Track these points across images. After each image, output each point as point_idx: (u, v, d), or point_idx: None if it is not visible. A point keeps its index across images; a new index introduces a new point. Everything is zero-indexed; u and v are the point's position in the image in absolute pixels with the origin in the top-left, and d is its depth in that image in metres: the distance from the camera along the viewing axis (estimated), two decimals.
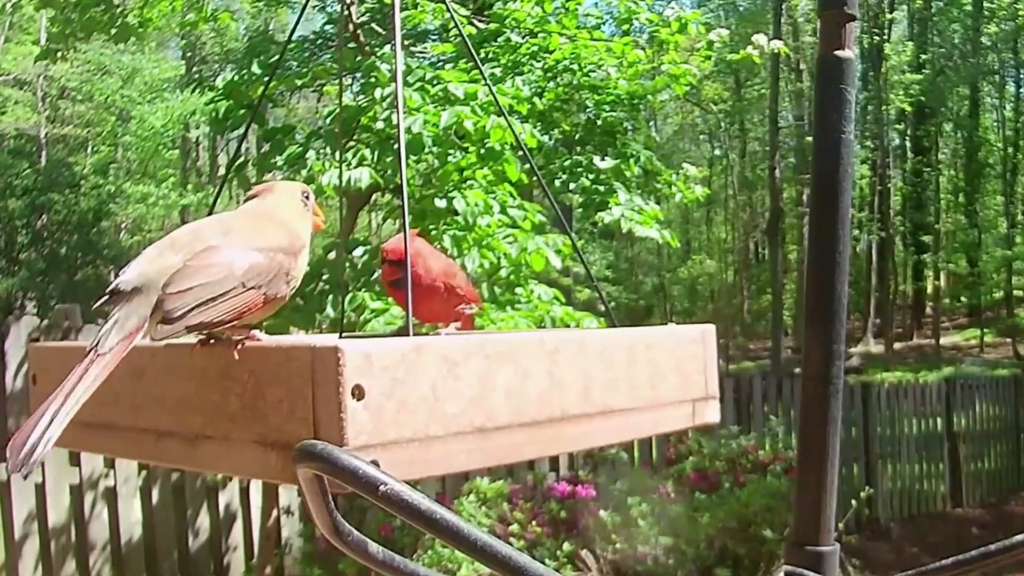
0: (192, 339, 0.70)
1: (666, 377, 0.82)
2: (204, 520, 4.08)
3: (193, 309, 0.66)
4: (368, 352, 0.59)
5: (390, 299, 2.70)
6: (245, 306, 0.69)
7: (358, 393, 0.58)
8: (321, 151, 3.26)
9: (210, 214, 1.21)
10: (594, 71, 4.31)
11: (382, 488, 0.52)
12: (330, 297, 3.09)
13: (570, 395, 0.72)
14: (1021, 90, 24.42)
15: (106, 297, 0.69)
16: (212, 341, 0.69)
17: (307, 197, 0.84)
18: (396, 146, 2.70)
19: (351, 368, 0.58)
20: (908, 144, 24.09)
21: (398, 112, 0.84)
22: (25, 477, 3.29)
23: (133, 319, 0.66)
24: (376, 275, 2.95)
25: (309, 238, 0.82)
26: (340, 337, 1.07)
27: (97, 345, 0.65)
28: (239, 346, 0.64)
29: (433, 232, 3.11)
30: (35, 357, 0.88)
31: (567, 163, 4.30)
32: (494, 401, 0.66)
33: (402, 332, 0.77)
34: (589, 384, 0.74)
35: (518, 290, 3.33)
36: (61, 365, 0.84)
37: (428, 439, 0.62)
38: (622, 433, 0.79)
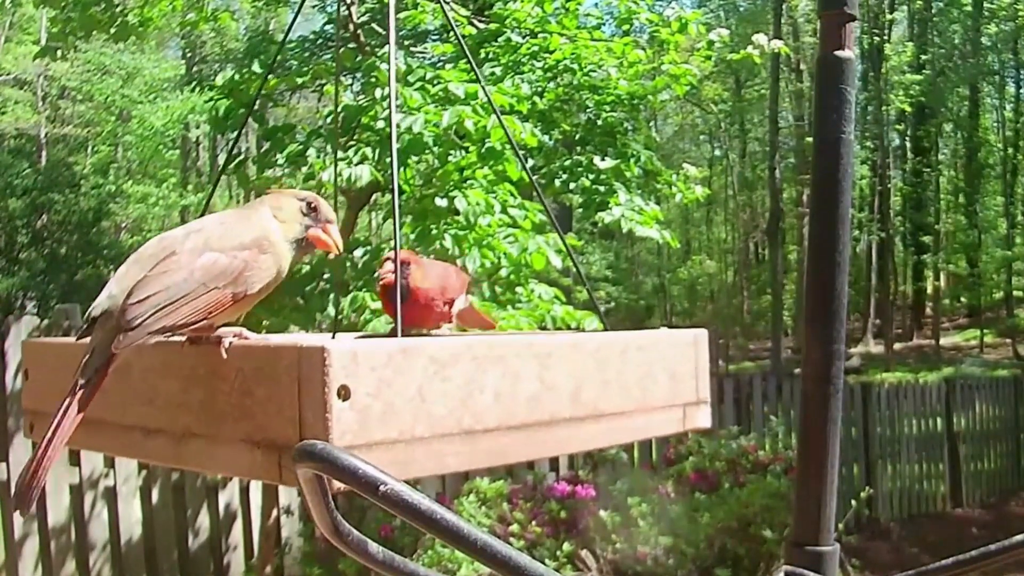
0: (180, 337, 0.70)
1: (657, 381, 0.82)
2: (204, 520, 4.08)
3: (153, 315, 0.67)
4: (355, 352, 0.59)
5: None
6: (210, 306, 0.69)
7: (344, 393, 0.58)
8: (321, 150, 3.26)
9: (204, 211, 1.21)
10: (594, 71, 4.31)
11: (382, 488, 0.52)
12: (331, 296, 3.09)
13: (560, 398, 0.72)
14: (1021, 90, 24.43)
15: (86, 326, 0.71)
16: (199, 339, 0.69)
17: (313, 208, 0.79)
18: (393, 146, 2.69)
19: (337, 368, 0.57)
20: (908, 144, 24.08)
21: (391, 113, 0.84)
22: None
23: (104, 346, 0.68)
24: (376, 274, 2.94)
25: (287, 241, 0.78)
26: (333, 336, 1.07)
27: (78, 376, 0.68)
28: (227, 345, 0.64)
29: (434, 232, 3.11)
30: (28, 353, 0.88)
31: (567, 163, 4.29)
32: (482, 403, 0.66)
33: (394, 332, 0.77)
34: (580, 387, 0.74)
35: (518, 289, 3.32)
36: (53, 361, 0.84)
37: (414, 440, 0.61)
38: (612, 437, 0.78)
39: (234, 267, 0.71)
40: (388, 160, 3.13)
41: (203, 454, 0.66)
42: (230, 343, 0.65)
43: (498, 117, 1.04)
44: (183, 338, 0.70)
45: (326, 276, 3.25)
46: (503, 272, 3.22)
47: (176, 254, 0.71)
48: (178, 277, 0.69)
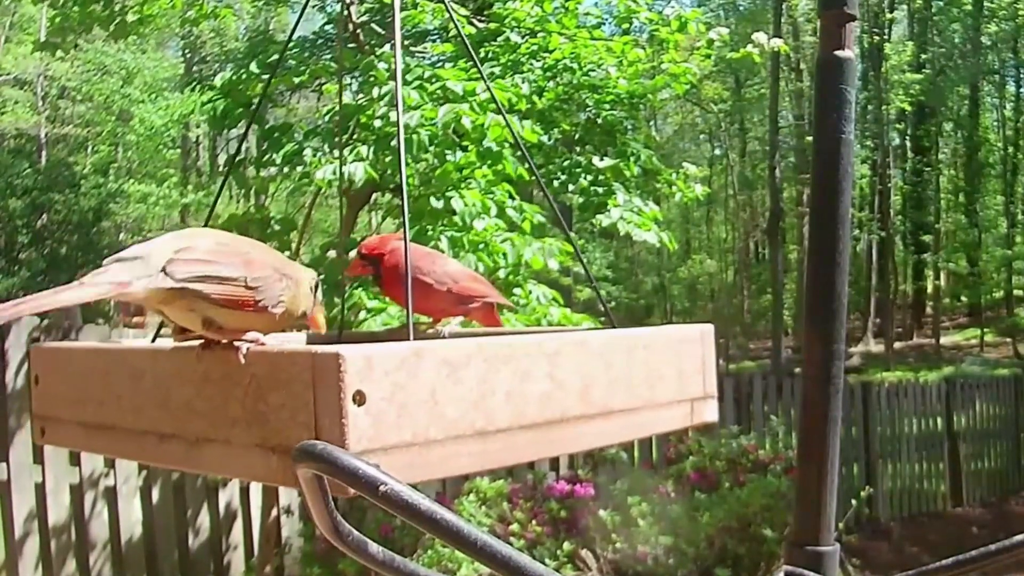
0: (194, 343, 0.70)
1: (665, 377, 0.82)
2: (204, 520, 4.07)
3: (195, 278, 0.69)
4: (369, 357, 0.59)
5: (387, 299, 2.70)
6: (238, 300, 0.71)
7: (359, 398, 0.58)
8: (318, 149, 3.26)
9: (211, 213, 1.21)
10: (594, 70, 4.31)
11: (382, 488, 0.52)
12: (331, 296, 3.09)
13: (570, 396, 0.72)
14: (1021, 90, 24.43)
15: (108, 262, 0.71)
16: (213, 344, 0.69)
17: (316, 287, 0.85)
18: (396, 144, 2.70)
19: (352, 373, 0.58)
20: (908, 144, 24.06)
21: (398, 112, 0.84)
22: None
23: (124, 275, 0.69)
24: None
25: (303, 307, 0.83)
26: (340, 336, 1.07)
27: (83, 279, 0.68)
28: (244, 351, 0.65)
29: (430, 233, 3.11)
30: (37, 357, 0.88)
31: (566, 163, 4.29)
32: (494, 404, 0.66)
33: (400, 333, 0.77)
34: (589, 385, 0.74)
35: (516, 291, 3.32)
36: (64, 366, 0.84)
37: (428, 443, 0.62)
38: (621, 434, 0.78)
39: (272, 280, 0.74)
40: (386, 159, 3.13)
41: (217, 459, 0.66)
42: (248, 348, 0.65)
43: (501, 112, 1.05)
44: (197, 344, 0.70)
45: (322, 276, 3.24)
46: (501, 273, 3.21)
47: (231, 246, 0.74)
48: (230, 262, 0.72)
